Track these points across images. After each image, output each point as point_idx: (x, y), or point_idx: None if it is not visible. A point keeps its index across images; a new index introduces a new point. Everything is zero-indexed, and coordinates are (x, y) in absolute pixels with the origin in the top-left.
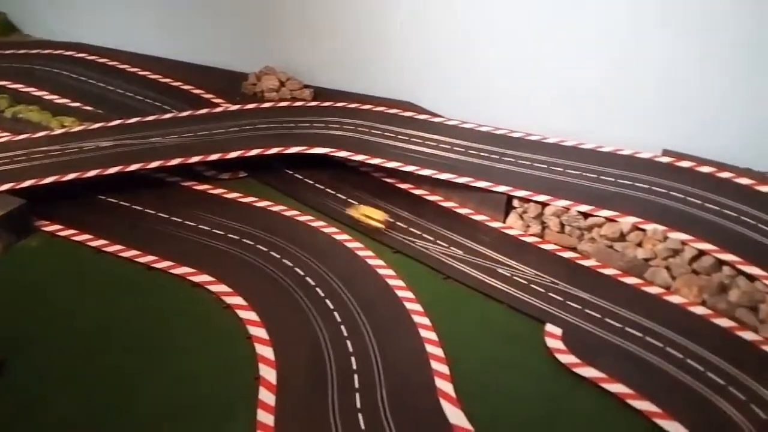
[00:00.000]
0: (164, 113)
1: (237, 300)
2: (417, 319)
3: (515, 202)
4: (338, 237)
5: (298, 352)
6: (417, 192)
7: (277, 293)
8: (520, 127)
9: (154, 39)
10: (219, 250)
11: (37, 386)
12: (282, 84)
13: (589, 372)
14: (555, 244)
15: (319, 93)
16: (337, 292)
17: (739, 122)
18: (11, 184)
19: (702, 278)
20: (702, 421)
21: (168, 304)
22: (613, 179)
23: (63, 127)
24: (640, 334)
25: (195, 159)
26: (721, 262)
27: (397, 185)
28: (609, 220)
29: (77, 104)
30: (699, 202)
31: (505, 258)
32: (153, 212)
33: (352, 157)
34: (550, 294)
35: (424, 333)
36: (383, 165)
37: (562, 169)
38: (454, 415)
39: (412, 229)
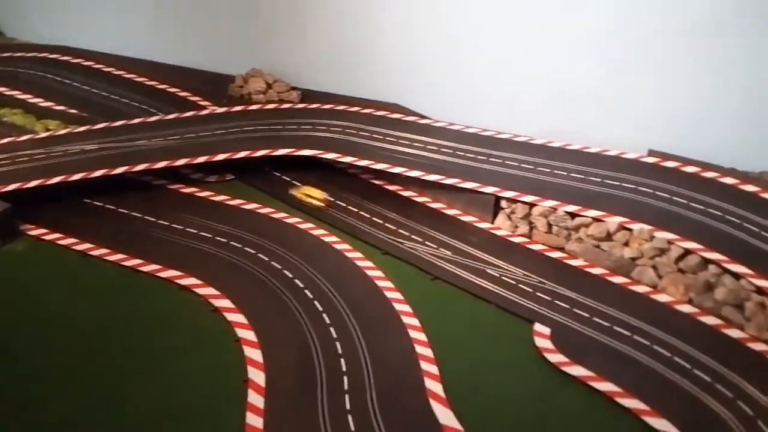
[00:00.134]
0: (150, 116)
1: (225, 303)
2: (406, 320)
3: (503, 203)
4: (327, 239)
5: (287, 354)
6: (405, 193)
7: (265, 296)
8: (507, 128)
9: (140, 42)
10: (206, 253)
11: (24, 388)
12: (269, 86)
13: (577, 371)
14: (543, 244)
15: (307, 95)
16: (326, 293)
17: (723, 123)
18: None
19: (688, 277)
20: (690, 418)
21: (155, 307)
22: (599, 180)
23: (48, 130)
24: (627, 333)
25: (181, 162)
26: (706, 261)
27: (385, 187)
28: (596, 220)
29: (62, 107)
30: (684, 201)
31: (493, 258)
32: (139, 215)
33: (340, 159)
34: (539, 294)
35: (413, 334)
36: (371, 167)
37: (549, 170)
38: (444, 415)
39: (400, 231)
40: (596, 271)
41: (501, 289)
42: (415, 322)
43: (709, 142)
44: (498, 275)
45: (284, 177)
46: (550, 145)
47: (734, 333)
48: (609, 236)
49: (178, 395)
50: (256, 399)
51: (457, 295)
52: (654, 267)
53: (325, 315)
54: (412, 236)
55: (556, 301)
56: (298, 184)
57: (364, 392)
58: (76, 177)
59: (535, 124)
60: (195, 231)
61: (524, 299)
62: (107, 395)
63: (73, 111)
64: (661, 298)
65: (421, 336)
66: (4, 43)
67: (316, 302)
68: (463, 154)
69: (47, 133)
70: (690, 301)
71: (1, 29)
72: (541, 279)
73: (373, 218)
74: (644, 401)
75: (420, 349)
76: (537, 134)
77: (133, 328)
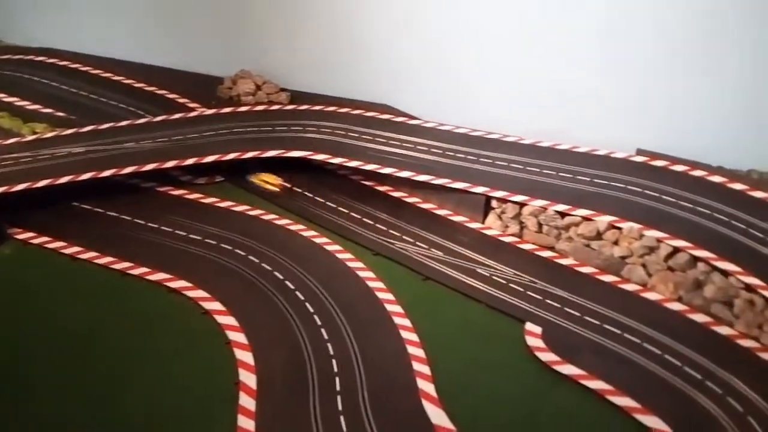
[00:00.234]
0: (138, 118)
1: (215, 305)
2: (398, 320)
3: (494, 203)
4: (317, 240)
5: (279, 356)
6: (395, 194)
7: (256, 298)
8: (497, 128)
9: (127, 43)
10: (196, 256)
11: (11, 392)
12: (258, 87)
13: (569, 369)
14: (533, 243)
15: (296, 96)
16: (317, 295)
17: (711, 122)
18: None
19: (677, 275)
20: (681, 415)
21: (145, 310)
22: (588, 179)
23: (34, 133)
24: (618, 331)
25: (170, 164)
26: (696, 259)
27: (375, 188)
28: (585, 219)
29: (49, 110)
30: (673, 200)
31: (484, 258)
32: (128, 218)
33: (330, 160)
34: (530, 293)
35: (404, 334)
36: (361, 168)
37: (538, 170)
38: (436, 415)
39: (391, 231)
40: (586, 269)
41: (492, 288)
42: (406, 322)
43: (698, 141)
44: (489, 275)
45: None
46: (539, 145)
47: (723, 330)
48: (599, 235)
49: (168, 398)
50: (247, 401)
51: (449, 295)
52: (643, 265)
53: (316, 316)
54: (403, 237)
55: (547, 300)
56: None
57: (356, 393)
58: (64, 180)
59: (525, 124)
60: (184, 233)
61: (515, 298)
62: (96, 399)
63: (61, 114)
64: (651, 296)
65: (413, 336)
66: None
67: (307, 304)
68: (453, 154)
69: (34, 136)
70: (679, 299)
71: None
72: (531, 278)
73: (364, 219)
74: (635, 399)
75: (412, 350)
76: (526, 134)
77: (122, 331)
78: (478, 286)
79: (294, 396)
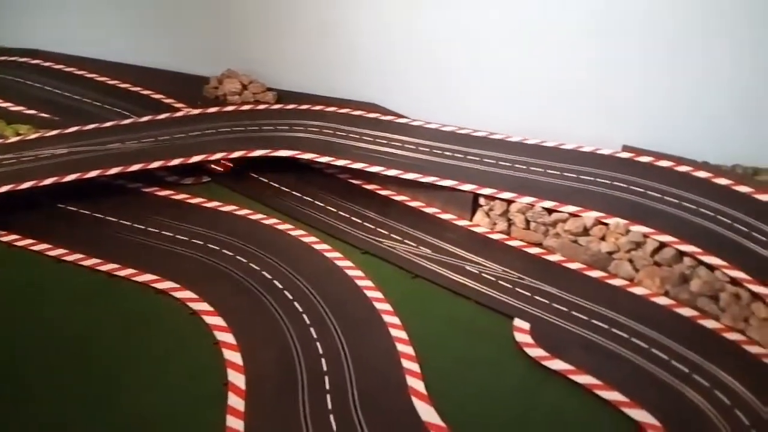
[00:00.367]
0: (123, 119)
1: (203, 306)
2: (387, 318)
3: (481, 200)
4: (306, 239)
5: (267, 355)
6: (383, 192)
7: (244, 298)
8: (484, 126)
9: (112, 44)
10: (183, 256)
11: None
12: (244, 87)
13: (557, 364)
14: (521, 240)
15: (283, 96)
16: (306, 294)
17: (696, 118)
18: None
19: (664, 269)
20: (668, 408)
21: (132, 312)
22: (575, 175)
23: (18, 135)
24: (606, 326)
25: (156, 164)
26: (681, 254)
27: (363, 186)
28: (572, 215)
29: (32, 111)
30: (659, 195)
31: (472, 255)
32: (114, 219)
33: (318, 159)
34: (518, 289)
35: (394, 332)
36: (349, 166)
37: (525, 167)
38: (426, 412)
39: (379, 230)
40: (574, 265)
41: (481, 285)
42: (395, 320)
43: (683, 137)
44: (477, 272)
45: (261, 179)
46: (526, 142)
47: (710, 324)
48: (586, 231)
49: (156, 399)
50: (236, 402)
51: (437, 293)
52: (630, 260)
53: (305, 315)
54: (392, 235)
55: (536, 297)
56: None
57: (346, 391)
58: (48, 182)
59: (512, 121)
60: (171, 234)
61: (504, 295)
62: (84, 400)
63: (44, 115)
64: (638, 290)
65: (402, 334)
66: None
67: (295, 303)
68: (440, 152)
69: (17, 138)
70: (666, 294)
71: None
72: (520, 275)
73: (352, 218)
74: (623, 393)
75: (401, 347)
76: (513, 132)
77: (110, 332)
78: (466, 283)
79: (283, 395)
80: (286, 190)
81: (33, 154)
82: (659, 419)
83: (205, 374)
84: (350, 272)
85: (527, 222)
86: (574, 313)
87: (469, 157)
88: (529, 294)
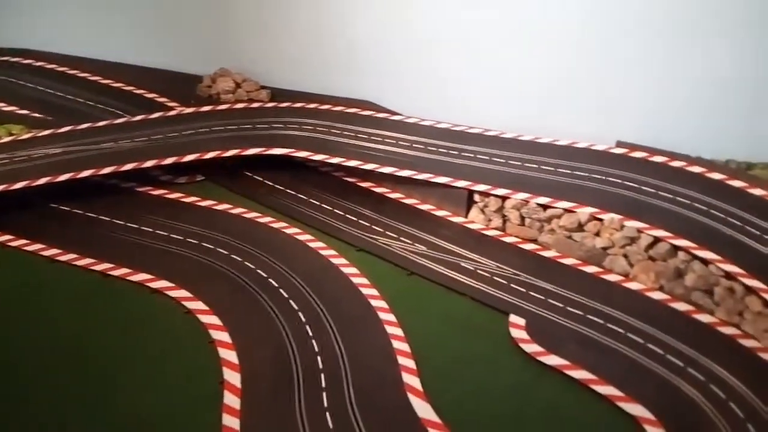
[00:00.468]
0: (116, 118)
1: (198, 305)
2: (382, 315)
3: (476, 197)
4: (300, 237)
5: (263, 354)
6: (378, 190)
7: (239, 296)
8: (478, 123)
9: (104, 43)
10: (178, 255)
11: None
12: (238, 85)
13: (552, 360)
14: (516, 236)
15: (277, 94)
16: (301, 292)
17: (689, 114)
18: None
19: (658, 264)
20: (664, 403)
21: (127, 311)
22: (569, 171)
23: (11, 135)
24: (601, 321)
25: (150, 163)
26: (676, 248)
27: (358, 184)
28: (567, 211)
29: (25, 111)
30: (653, 190)
31: (468, 252)
32: (108, 219)
33: (312, 157)
34: (513, 285)
35: (390, 329)
36: (344, 164)
37: (520, 163)
38: (422, 408)
39: (374, 227)
40: (569, 261)
41: (476, 282)
42: (391, 317)
43: (677, 133)
44: (473, 268)
45: (256, 177)
46: (520, 138)
47: (705, 318)
48: (580, 227)
49: (152, 399)
50: (232, 400)
51: (433, 290)
52: (625, 255)
53: (300, 313)
54: (387, 232)
55: (531, 292)
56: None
57: (342, 389)
58: (41, 181)
59: (506, 118)
60: (165, 233)
61: (499, 291)
62: (80, 400)
63: (37, 115)
64: (633, 285)
65: (398, 331)
66: None
67: (291, 301)
68: (435, 149)
69: (10, 138)
70: (661, 288)
71: None
72: (515, 271)
73: (347, 215)
74: (619, 388)
75: (397, 344)
76: (507, 128)
77: (105, 332)
78: (462, 279)
79: (279, 393)
80: (281, 188)
81: (26, 154)
82: (655, 413)
83: (201, 373)
84: (345, 270)
85: (522, 218)
86: (569, 308)
87: (463, 153)
88: (524, 290)
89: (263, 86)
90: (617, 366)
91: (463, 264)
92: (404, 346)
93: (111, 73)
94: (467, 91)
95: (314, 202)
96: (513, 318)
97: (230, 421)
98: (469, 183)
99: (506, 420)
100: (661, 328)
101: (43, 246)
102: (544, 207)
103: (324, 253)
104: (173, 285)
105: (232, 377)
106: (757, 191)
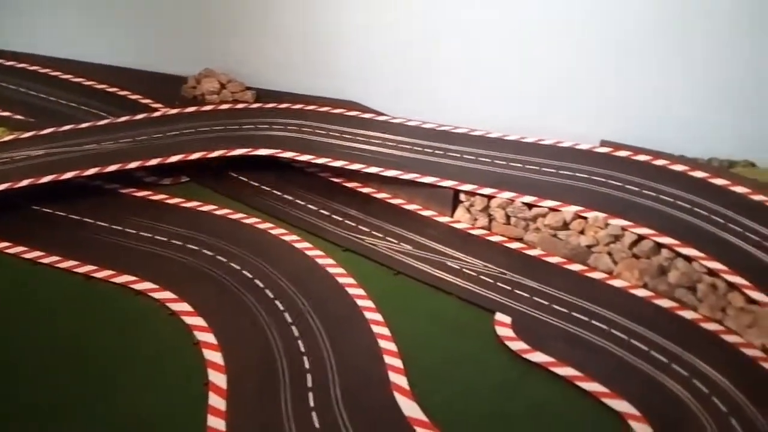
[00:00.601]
0: (99, 120)
1: (183, 306)
2: (369, 315)
3: (462, 196)
4: (286, 238)
5: (249, 355)
6: (364, 190)
7: (224, 297)
8: (464, 123)
9: (88, 44)
10: (162, 257)
11: None
12: (223, 86)
13: (538, 357)
14: (502, 235)
15: (262, 95)
16: (287, 293)
17: (672, 113)
18: None
19: (642, 262)
20: (648, 398)
21: (111, 313)
22: (554, 170)
23: None
24: (586, 318)
25: (134, 164)
26: (659, 246)
27: (344, 184)
28: (552, 209)
29: (6, 113)
30: (637, 189)
31: (454, 251)
32: (91, 221)
33: (298, 158)
34: (499, 284)
35: (376, 329)
36: (329, 164)
37: (505, 163)
38: (409, 407)
39: (361, 227)
40: (554, 259)
41: (462, 281)
42: (378, 317)
43: (660, 132)
44: (459, 267)
45: (241, 178)
46: (506, 138)
47: (688, 314)
48: (565, 225)
49: (136, 402)
50: (217, 401)
51: (419, 289)
52: (609, 253)
53: (286, 314)
54: (373, 232)
55: (516, 291)
56: None
57: (328, 389)
58: (23, 183)
59: (491, 118)
60: (150, 235)
61: (485, 290)
62: (63, 403)
63: (19, 117)
64: (617, 283)
65: (385, 330)
66: None
67: (277, 302)
68: (420, 149)
69: None
70: (645, 286)
71: None
72: (501, 269)
73: (333, 216)
74: (604, 384)
75: (384, 344)
76: (493, 128)
77: (88, 335)
78: (448, 278)
79: (265, 394)
80: (267, 189)
81: (8, 156)
82: (640, 409)
83: (186, 375)
84: (331, 270)
85: (508, 217)
86: (554, 306)
87: (449, 153)
88: (510, 288)
89: (248, 87)
90: (602, 363)
91: (449, 263)
92: (391, 346)
93: (94, 74)
94: (453, 91)
95: (300, 202)
96: (499, 316)
97: (215, 422)
98: (455, 183)
99: (493, 417)
100: (645, 324)
101: (26, 248)
102: (530, 206)
103: (310, 253)
104: (157, 287)
105: (218, 378)
106: (740, 189)
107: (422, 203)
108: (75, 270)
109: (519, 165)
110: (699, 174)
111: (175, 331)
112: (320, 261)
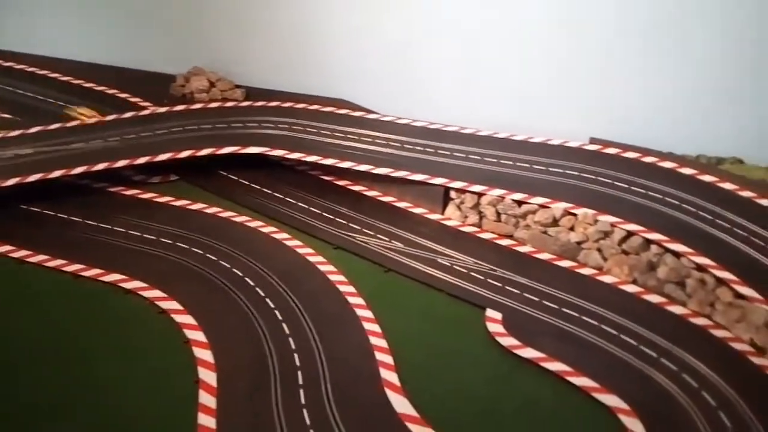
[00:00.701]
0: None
1: (172, 305)
2: (360, 312)
3: (452, 194)
4: (277, 236)
5: (239, 352)
6: (355, 188)
7: (214, 296)
8: (454, 121)
9: (75, 43)
10: (152, 255)
11: None
12: (212, 84)
13: (528, 353)
14: (492, 232)
15: (252, 93)
16: (278, 290)
17: (660, 110)
18: None
19: (631, 258)
20: (638, 392)
21: (99, 312)
22: (544, 168)
23: None
24: (576, 314)
25: (122, 163)
26: (648, 242)
27: (335, 182)
28: (542, 206)
29: None
30: (626, 186)
31: (444, 248)
32: (80, 220)
33: (288, 156)
34: (490, 281)
35: (367, 325)
36: (320, 162)
37: (495, 160)
38: (400, 403)
39: (351, 225)
40: (544, 256)
41: (453, 277)
42: (368, 314)
43: (648, 129)
44: (450, 264)
45: (231, 176)
46: (495, 136)
47: (677, 309)
48: (555, 222)
49: (125, 400)
50: (207, 399)
51: (410, 286)
52: (599, 250)
53: (277, 312)
54: (364, 230)
55: (507, 287)
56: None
57: (319, 386)
58: (11, 182)
59: (481, 116)
60: (139, 234)
61: (476, 286)
62: (56, 402)
63: (6, 115)
64: (607, 279)
65: (375, 327)
66: None
67: (267, 299)
68: (411, 147)
69: None
70: (634, 281)
71: None
72: (491, 266)
73: (324, 213)
74: (594, 379)
75: (374, 340)
76: (483, 126)
77: (77, 334)
78: (439, 275)
79: (256, 391)
80: (257, 187)
81: None
82: (629, 403)
83: (176, 372)
84: (322, 267)
85: (498, 214)
86: (545, 302)
87: (440, 151)
88: (500, 285)
89: (238, 85)
90: (592, 358)
91: (439, 260)
92: (382, 342)
93: (82, 73)
94: (443, 90)
95: (290, 200)
96: (490, 312)
97: (206, 420)
98: (446, 180)
99: (484, 412)
100: (634, 320)
101: (13, 248)
102: (520, 203)
103: (301, 251)
104: (147, 285)
105: (208, 376)
106: (727, 185)
107: (413, 201)
108: (63, 269)
109: (509, 162)
110: (687, 171)
111: (165, 330)
112: (311, 259)
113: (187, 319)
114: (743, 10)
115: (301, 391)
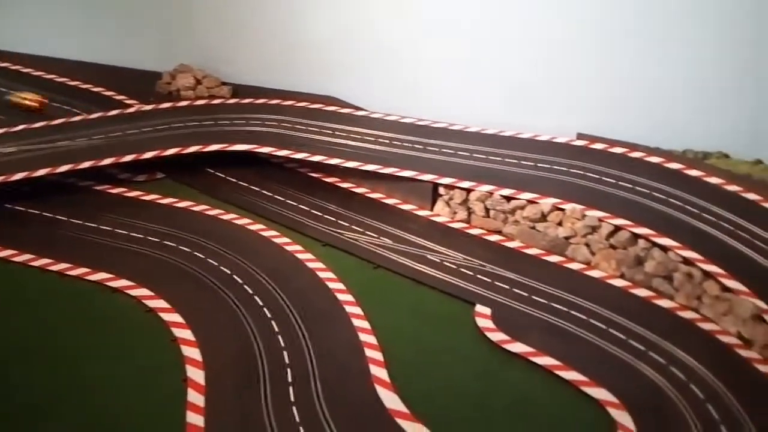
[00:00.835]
0: (72, 116)
1: (160, 303)
2: (349, 309)
3: (441, 190)
4: (265, 234)
5: (227, 350)
6: (344, 185)
7: (202, 294)
8: (443, 117)
9: (60, 41)
10: (139, 254)
11: None
12: (199, 82)
13: (518, 347)
14: (481, 228)
15: (239, 90)
16: (266, 288)
17: (646, 105)
18: None
19: (619, 252)
20: (627, 385)
21: (86, 311)
22: (532, 163)
23: None
24: (565, 309)
25: (108, 161)
26: (636, 236)
27: (323, 179)
28: (530, 202)
29: None
30: (613, 180)
31: (433, 244)
32: (65, 218)
33: (276, 153)
34: (479, 276)
35: (356, 322)
36: (308, 159)
37: (484, 156)
38: (390, 399)
39: (340, 222)
40: (533, 251)
41: (442, 273)
42: (358, 311)
43: (636, 124)
44: (439, 260)
45: (218, 174)
46: (484, 132)
47: (665, 303)
48: (543, 217)
49: (114, 400)
50: (196, 397)
51: (400, 282)
52: (587, 244)
53: (265, 309)
54: (352, 227)
55: (496, 282)
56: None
57: (308, 383)
58: None
59: (470, 112)
60: (125, 232)
61: (465, 282)
62: (42, 401)
63: None
64: (595, 273)
65: (365, 324)
66: None
67: (256, 297)
68: (400, 143)
69: None
70: (622, 276)
71: None
72: (480, 262)
73: (312, 211)
74: (583, 373)
75: (364, 337)
76: (472, 122)
77: (64, 333)
78: (428, 271)
79: (244, 389)
80: (244, 184)
81: None
82: (618, 397)
83: (164, 371)
84: (311, 265)
85: (487, 210)
86: (534, 297)
87: (428, 147)
88: (489, 280)
89: (224, 82)
90: (581, 352)
91: (429, 256)
92: (371, 339)
93: (67, 71)
94: (432, 86)
95: (279, 198)
96: (479, 308)
97: (194, 418)
98: (435, 176)
99: (474, 407)
100: (622, 314)
101: None
102: (508, 198)
103: (289, 248)
104: (134, 284)
105: (196, 374)
106: (714, 180)
107: (402, 197)
108: (49, 268)
109: (497, 158)
110: (674, 165)
111: (153, 328)
112: (300, 256)
113: (174, 317)
114: (727, 6)
115: (290, 389)
